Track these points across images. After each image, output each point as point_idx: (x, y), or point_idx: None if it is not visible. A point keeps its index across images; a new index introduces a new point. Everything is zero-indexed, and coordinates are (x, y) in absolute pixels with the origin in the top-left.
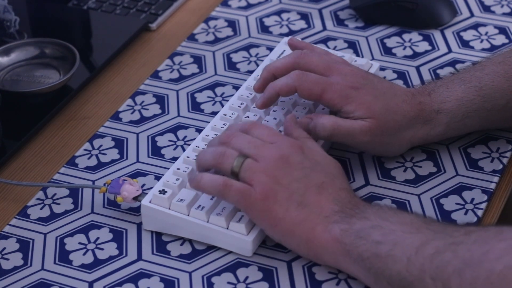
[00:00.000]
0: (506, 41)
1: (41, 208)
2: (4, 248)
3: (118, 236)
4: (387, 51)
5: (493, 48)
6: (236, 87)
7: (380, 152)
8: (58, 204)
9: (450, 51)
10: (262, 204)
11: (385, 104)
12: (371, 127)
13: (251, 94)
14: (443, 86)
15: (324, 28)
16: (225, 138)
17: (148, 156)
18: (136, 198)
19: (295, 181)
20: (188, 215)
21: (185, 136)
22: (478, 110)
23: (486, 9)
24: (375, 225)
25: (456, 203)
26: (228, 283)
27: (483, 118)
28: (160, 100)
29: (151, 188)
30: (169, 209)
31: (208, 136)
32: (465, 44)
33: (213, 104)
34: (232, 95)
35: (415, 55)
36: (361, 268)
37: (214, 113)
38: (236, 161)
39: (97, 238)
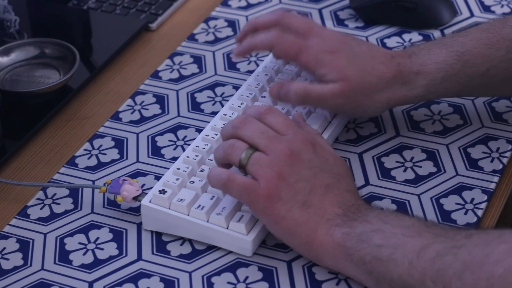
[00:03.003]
0: None
1: (41, 208)
2: (4, 248)
3: (118, 236)
4: None
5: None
6: (236, 87)
7: (356, 113)
8: (58, 204)
9: None
10: (265, 201)
11: (360, 67)
12: (342, 89)
13: (251, 94)
14: (425, 49)
15: None
16: (238, 123)
17: (148, 156)
18: (136, 198)
19: (302, 180)
20: (188, 215)
21: (185, 136)
22: (457, 74)
23: (486, 9)
24: (376, 229)
25: (456, 203)
26: (228, 283)
27: (463, 84)
28: (160, 100)
29: (151, 188)
30: (169, 209)
31: (208, 136)
32: None
33: (213, 104)
34: (232, 95)
35: None
36: (362, 272)
37: (214, 113)
38: (244, 154)
39: (97, 238)
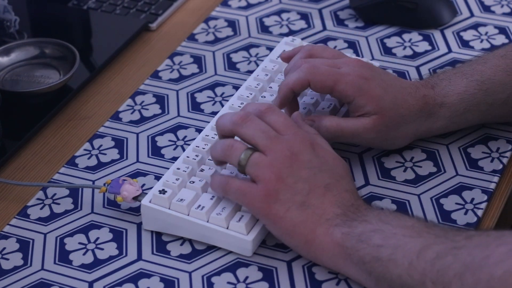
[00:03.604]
0: (506, 41)
1: (41, 208)
2: (4, 248)
3: (118, 236)
4: (387, 51)
5: (493, 48)
6: (236, 87)
7: (384, 146)
8: (58, 204)
9: (450, 51)
10: (262, 202)
11: (393, 98)
12: (375, 124)
13: (251, 94)
14: (446, 79)
15: (324, 28)
16: (239, 119)
17: (148, 156)
18: (136, 198)
19: (301, 181)
20: (188, 215)
21: (185, 136)
22: (479, 104)
23: (486, 9)
24: (376, 229)
25: (456, 203)
26: (228, 283)
27: (484, 112)
28: (160, 100)
29: (151, 188)
30: (169, 209)
31: (208, 136)
32: (465, 44)
33: (213, 104)
34: (232, 95)
35: (415, 55)
36: (362, 272)
37: (214, 113)
38: (244, 154)
39: (97, 238)
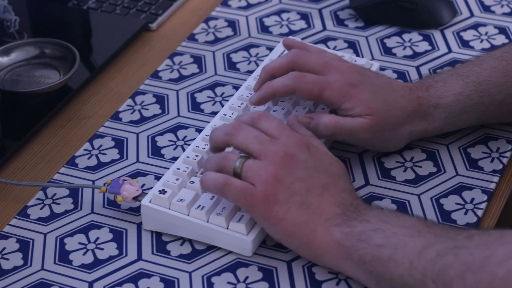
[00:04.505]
0: (506, 41)
1: (41, 208)
2: (4, 248)
3: (118, 236)
4: (387, 51)
5: (493, 48)
6: (236, 87)
7: (380, 147)
8: (58, 204)
9: (450, 51)
10: (263, 204)
11: (384, 100)
12: (371, 123)
13: (251, 94)
14: (441, 81)
15: (324, 28)
16: (232, 130)
17: (148, 156)
18: (136, 198)
19: (298, 181)
20: (188, 215)
21: (185, 136)
22: (475, 105)
23: (486, 9)
24: (376, 228)
25: (456, 203)
26: (228, 283)
27: (481, 113)
28: (160, 100)
29: (151, 188)
30: (169, 209)
31: (208, 136)
32: (465, 44)
33: (213, 104)
34: (232, 95)
35: (415, 55)
36: (362, 272)
37: (214, 113)
38: (238, 162)
39: (97, 238)
